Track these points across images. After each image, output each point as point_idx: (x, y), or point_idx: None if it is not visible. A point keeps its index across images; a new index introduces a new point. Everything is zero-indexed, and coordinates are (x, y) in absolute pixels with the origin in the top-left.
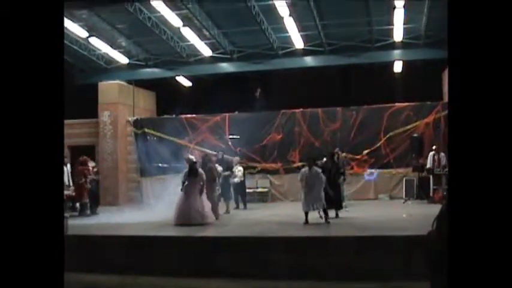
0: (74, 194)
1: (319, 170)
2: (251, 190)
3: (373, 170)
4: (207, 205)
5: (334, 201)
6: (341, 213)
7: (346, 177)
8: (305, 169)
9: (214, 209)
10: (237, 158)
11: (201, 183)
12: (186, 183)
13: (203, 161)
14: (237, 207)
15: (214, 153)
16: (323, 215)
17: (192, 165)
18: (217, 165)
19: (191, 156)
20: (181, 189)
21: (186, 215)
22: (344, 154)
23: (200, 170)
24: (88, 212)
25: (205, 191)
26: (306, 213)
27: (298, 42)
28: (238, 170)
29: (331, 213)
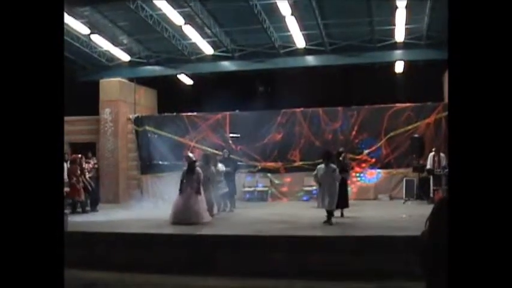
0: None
1: (335, 167)
2: (251, 189)
3: (373, 171)
4: (203, 204)
5: (341, 200)
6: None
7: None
8: (321, 165)
9: (209, 209)
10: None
11: (198, 181)
12: (184, 181)
13: (202, 160)
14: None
15: (219, 152)
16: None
17: (191, 163)
18: (220, 164)
19: (190, 155)
20: (179, 188)
21: (182, 214)
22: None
23: (198, 168)
24: (88, 209)
25: (202, 190)
26: (327, 211)
27: (300, 42)
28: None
29: (337, 212)
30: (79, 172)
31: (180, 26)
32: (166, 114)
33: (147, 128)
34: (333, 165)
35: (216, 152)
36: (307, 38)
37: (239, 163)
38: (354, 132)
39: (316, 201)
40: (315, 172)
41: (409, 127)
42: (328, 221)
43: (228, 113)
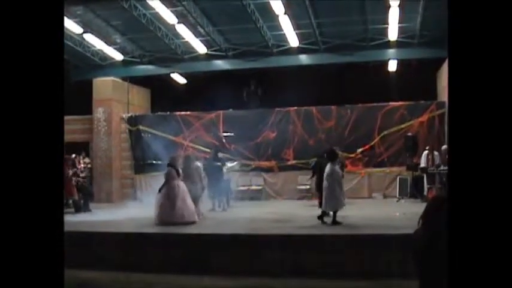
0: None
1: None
2: (245, 188)
3: (367, 169)
4: (187, 204)
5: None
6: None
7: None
8: (328, 165)
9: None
10: None
11: (166, 179)
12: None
13: (183, 161)
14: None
15: (209, 150)
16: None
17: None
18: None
19: (174, 155)
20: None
21: (165, 215)
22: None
23: (169, 168)
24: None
25: (185, 190)
26: (327, 214)
27: (293, 40)
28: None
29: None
30: (71, 172)
31: (173, 25)
32: (159, 113)
33: (141, 127)
34: (337, 166)
35: (209, 150)
36: (300, 36)
37: (230, 161)
38: (347, 131)
39: (324, 201)
40: (326, 173)
41: (403, 126)
42: (325, 221)
43: (221, 111)
